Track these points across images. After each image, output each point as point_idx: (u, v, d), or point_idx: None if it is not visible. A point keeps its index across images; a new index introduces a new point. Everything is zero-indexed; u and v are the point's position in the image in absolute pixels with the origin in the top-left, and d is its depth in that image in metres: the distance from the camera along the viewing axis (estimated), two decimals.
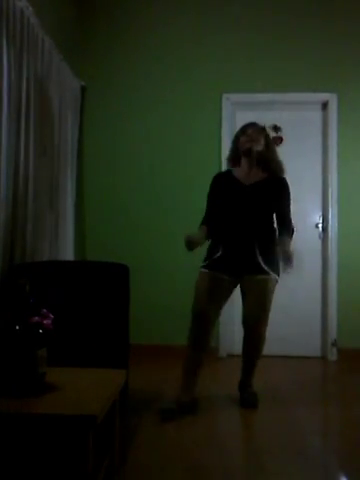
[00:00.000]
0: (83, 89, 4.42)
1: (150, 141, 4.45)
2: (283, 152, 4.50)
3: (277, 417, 2.78)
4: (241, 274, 2.89)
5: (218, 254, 2.88)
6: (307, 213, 4.43)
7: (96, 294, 2.64)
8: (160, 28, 4.48)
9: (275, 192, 2.96)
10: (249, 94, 4.43)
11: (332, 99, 4.37)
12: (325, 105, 4.43)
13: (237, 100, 4.42)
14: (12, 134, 2.88)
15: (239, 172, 2.99)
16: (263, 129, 3.00)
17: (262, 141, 2.94)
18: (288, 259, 2.69)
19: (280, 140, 4.46)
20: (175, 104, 4.45)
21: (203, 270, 2.91)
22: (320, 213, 4.43)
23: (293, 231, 2.98)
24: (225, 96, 4.41)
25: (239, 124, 4.42)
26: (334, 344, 4.26)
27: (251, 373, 3.05)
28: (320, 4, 4.41)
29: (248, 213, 2.90)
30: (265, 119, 4.44)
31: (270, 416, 2.82)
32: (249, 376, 3.06)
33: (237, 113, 4.45)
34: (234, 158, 3.04)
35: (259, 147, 2.92)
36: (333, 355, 4.27)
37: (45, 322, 1.75)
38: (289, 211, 3.00)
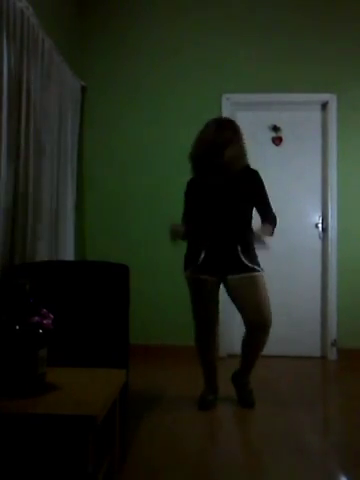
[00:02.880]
0: (83, 89, 4.42)
1: (150, 141, 4.45)
2: (283, 152, 4.54)
3: (277, 417, 2.78)
4: (224, 274, 2.88)
5: (201, 257, 2.88)
6: (307, 213, 4.43)
7: (96, 294, 2.63)
8: (160, 28, 4.49)
9: (248, 185, 2.94)
10: (249, 94, 4.43)
11: (332, 99, 4.37)
12: (325, 105, 4.43)
13: (237, 100, 4.42)
14: (12, 134, 2.88)
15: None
16: (231, 124, 3.06)
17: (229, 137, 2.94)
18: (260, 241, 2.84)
19: (280, 140, 4.47)
20: (175, 104, 4.45)
21: (188, 275, 2.97)
22: (320, 213, 4.43)
23: (275, 218, 2.96)
24: (225, 96, 4.41)
25: (239, 124, 4.45)
26: (334, 344, 4.27)
27: (251, 368, 3.01)
28: (320, 4, 4.41)
29: (224, 210, 2.90)
30: (265, 119, 4.49)
31: (270, 416, 2.83)
32: (248, 371, 3.02)
33: (237, 113, 4.45)
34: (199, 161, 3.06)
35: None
36: (333, 355, 4.27)
37: (45, 322, 1.75)
38: (267, 200, 2.98)
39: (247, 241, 2.89)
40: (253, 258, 2.88)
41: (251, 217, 2.97)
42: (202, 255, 2.88)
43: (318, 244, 4.43)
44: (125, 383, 2.11)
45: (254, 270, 2.84)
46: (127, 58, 4.51)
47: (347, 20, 4.39)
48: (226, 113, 4.39)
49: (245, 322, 2.90)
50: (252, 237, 2.91)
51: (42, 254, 3.37)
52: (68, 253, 3.95)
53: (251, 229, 2.94)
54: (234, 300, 2.94)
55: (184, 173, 4.40)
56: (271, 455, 2.34)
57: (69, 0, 4.27)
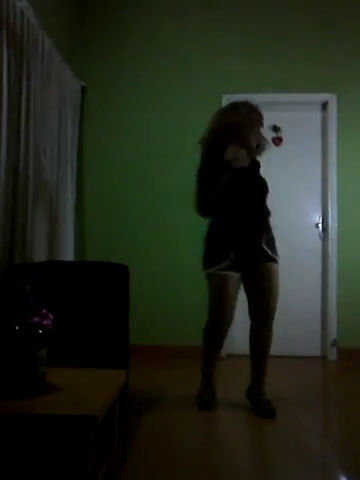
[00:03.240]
0: (83, 89, 4.42)
1: (150, 141, 4.45)
2: (283, 152, 4.53)
3: (277, 417, 2.78)
4: (245, 264, 2.82)
5: (231, 256, 2.78)
6: (307, 213, 4.43)
7: (96, 294, 2.63)
8: (160, 29, 4.49)
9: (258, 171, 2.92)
10: (249, 94, 4.37)
11: (332, 99, 4.37)
12: (325, 105, 4.43)
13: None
14: (12, 134, 2.89)
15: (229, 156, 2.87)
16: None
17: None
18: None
19: (280, 140, 4.47)
20: (175, 105, 4.45)
21: (213, 272, 2.82)
22: (320, 213, 4.43)
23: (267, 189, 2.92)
24: (225, 97, 4.40)
25: None
26: (334, 344, 4.27)
27: (263, 375, 2.91)
28: (320, 4, 4.41)
29: (250, 198, 2.84)
30: (265, 119, 4.47)
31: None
32: (261, 380, 2.91)
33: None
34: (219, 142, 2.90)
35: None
36: (333, 355, 4.27)
37: (45, 322, 1.75)
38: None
39: (269, 231, 2.87)
40: (274, 247, 2.85)
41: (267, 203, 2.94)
42: (232, 254, 2.78)
43: (318, 244, 4.43)
44: (125, 383, 2.11)
45: (274, 260, 2.82)
46: (127, 58, 4.51)
47: (347, 20, 4.39)
48: None
49: (251, 311, 2.89)
50: (269, 222, 2.90)
51: (42, 254, 3.37)
52: (68, 253, 3.96)
53: (269, 212, 2.92)
54: (248, 288, 2.88)
55: (184, 172, 4.41)
56: (271, 455, 2.34)
57: (69, 0, 4.27)
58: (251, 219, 2.82)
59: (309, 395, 3.27)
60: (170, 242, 4.35)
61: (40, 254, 3.33)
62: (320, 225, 4.41)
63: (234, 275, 2.81)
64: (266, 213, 2.89)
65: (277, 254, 2.87)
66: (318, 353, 4.37)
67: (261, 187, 2.90)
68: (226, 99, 4.41)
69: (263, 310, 2.85)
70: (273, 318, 2.86)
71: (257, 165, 2.90)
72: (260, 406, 2.84)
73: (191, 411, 2.88)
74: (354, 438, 2.54)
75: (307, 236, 4.41)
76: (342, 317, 4.27)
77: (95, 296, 2.63)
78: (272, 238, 2.88)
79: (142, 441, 2.43)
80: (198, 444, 2.45)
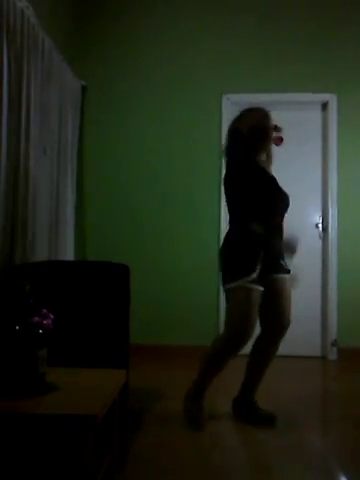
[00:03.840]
0: (83, 89, 4.42)
1: (150, 141, 4.46)
2: (283, 152, 4.52)
3: (278, 417, 2.78)
4: (266, 277, 2.61)
5: (258, 267, 2.56)
6: (307, 213, 4.43)
7: (96, 294, 2.63)
8: (160, 28, 4.49)
9: None
10: (249, 94, 4.42)
11: (332, 100, 4.37)
12: (325, 106, 4.43)
13: (237, 100, 4.41)
14: (12, 134, 2.89)
15: (264, 164, 2.78)
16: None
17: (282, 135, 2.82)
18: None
19: (280, 140, 4.46)
20: (175, 104, 4.45)
21: (242, 285, 2.55)
22: (320, 213, 4.43)
23: None
24: (225, 96, 4.41)
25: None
26: (334, 344, 4.27)
27: (258, 381, 2.79)
28: (320, 5, 4.41)
29: (285, 212, 2.80)
30: None
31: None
32: (254, 388, 2.78)
33: (237, 113, 4.45)
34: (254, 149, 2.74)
35: (279, 142, 2.83)
36: (333, 355, 4.27)
37: (45, 322, 1.75)
38: None
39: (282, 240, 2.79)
40: (283, 257, 2.77)
41: None
42: (259, 266, 2.56)
43: (318, 244, 4.43)
44: (125, 383, 2.11)
45: (288, 272, 2.73)
46: (127, 58, 4.51)
47: (348, 20, 4.39)
48: (226, 113, 4.39)
49: (266, 323, 2.73)
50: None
51: (42, 254, 3.37)
52: (68, 253, 3.96)
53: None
54: (271, 295, 2.67)
55: (184, 172, 4.42)
56: (271, 455, 2.34)
57: (69, 0, 4.27)
58: (280, 231, 2.75)
59: (309, 395, 3.27)
60: (170, 242, 4.35)
61: (40, 254, 3.33)
62: (320, 225, 4.42)
63: (260, 289, 2.58)
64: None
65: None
66: (318, 353, 4.37)
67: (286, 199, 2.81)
68: (226, 99, 4.42)
69: (287, 321, 2.72)
70: (286, 330, 2.76)
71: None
72: (257, 414, 2.70)
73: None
74: (354, 438, 2.54)
75: (307, 236, 4.41)
76: (342, 317, 4.27)
77: (95, 296, 2.63)
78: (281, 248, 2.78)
79: (142, 441, 2.43)
80: (198, 444, 2.45)
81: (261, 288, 2.58)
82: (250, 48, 4.44)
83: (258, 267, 2.55)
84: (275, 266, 2.66)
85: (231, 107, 4.40)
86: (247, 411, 2.74)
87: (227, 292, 2.65)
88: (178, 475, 2.10)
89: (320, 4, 4.41)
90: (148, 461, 2.22)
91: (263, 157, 2.79)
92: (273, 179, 2.76)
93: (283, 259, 2.73)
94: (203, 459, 2.26)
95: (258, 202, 2.63)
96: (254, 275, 2.54)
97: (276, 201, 2.72)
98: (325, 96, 4.39)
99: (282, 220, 2.76)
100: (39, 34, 3.28)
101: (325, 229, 4.39)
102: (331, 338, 4.28)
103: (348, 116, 4.36)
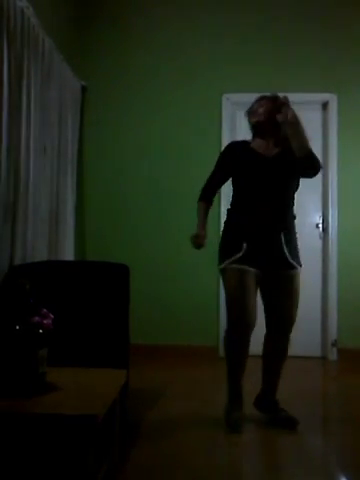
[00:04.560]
0: (83, 89, 4.42)
1: (150, 141, 4.45)
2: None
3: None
4: (266, 268, 2.58)
5: (244, 247, 2.55)
6: (307, 213, 4.43)
7: (96, 294, 2.63)
8: (160, 28, 4.49)
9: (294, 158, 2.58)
10: (249, 94, 4.36)
11: (332, 99, 4.37)
12: (325, 105, 4.43)
13: (237, 100, 4.41)
14: (12, 134, 2.88)
15: (257, 143, 2.69)
16: (265, 97, 2.74)
17: (262, 111, 2.65)
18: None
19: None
20: (175, 104, 4.45)
21: (230, 266, 2.56)
22: (320, 213, 4.43)
23: (317, 158, 2.63)
24: (225, 96, 4.41)
25: (239, 124, 4.44)
26: (334, 344, 4.26)
27: (277, 385, 2.74)
28: (320, 4, 4.41)
29: (272, 191, 2.58)
30: None
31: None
32: (275, 389, 2.74)
33: (237, 113, 4.45)
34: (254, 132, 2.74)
35: (257, 118, 2.66)
36: (333, 355, 4.27)
37: (45, 322, 1.75)
38: None
39: (291, 228, 2.65)
40: (294, 250, 2.63)
41: (294, 201, 2.70)
42: (244, 246, 2.55)
43: (318, 244, 4.42)
44: (125, 383, 2.11)
45: (295, 268, 2.60)
46: (127, 58, 4.50)
47: (348, 20, 4.39)
48: (226, 113, 4.40)
49: (269, 321, 2.67)
50: (294, 228, 2.69)
51: (42, 254, 3.37)
52: (68, 253, 3.95)
53: (294, 218, 2.70)
54: (265, 295, 2.66)
55: (184, 172, 4.42)
56: (271, 456, 2.33)
57: (69, 0, 4.27)
58: (269, 212, 2.58)
59: (309, 395, 3.27)
60: (171, 242, 4.34)
61: (40, 254, 3.33)
62: (320, 225, 4.41)
63: (250, 269, 2.54)
64: (289, 209, 2.66)
65: (298, 258, 2.65)
66: (318, 353, 4.36)
67: (289, 180, 2.63)
68: (226, 99, 4.42)
69: (286, 319, 2.63)
70: (292, 329, 2.67)
71: (287, 159, 2.61)
72: (279, 417, 2.65)
73: (191, 411, 2.88)
74: (354, 438, 2.54)
75: (307, 236, 4.41)
76: (342, 317, 4.27)
77: (95, 296, 2.63)
78: (295, 240, 2.67)
79: (142, 441, 2.43)
80: (198, 444, 2.44)
81: (252, 269, 2.54)
82: (250, 48, 4.43)
83: (244, 246, 2.55)
84: (279, 262, 2.58)
85: (231, 107, 4.41)
86: (269, 411, 2.71)
87: (221, 276, 2.69)
88: (178, 475, 2.10)
89: (320, 4, 4.41)
90: (148, 461, 2.22)
91: (260, 141, 2.68)
92: (254, 159, 2.64)
93: (289, 248, 2.59)
94: (203, 459, 2.26)
95: (235, 187, 2.71)
96: (239, 254, 2.54)
97: (240, 183, 2.68)
98: (325, 96, 4.38)
99: (265, 198, 2.59)
100: (39, 34, 3.28)
101: (325, 229, 4.39)
102: (331, 338, 4.28)
103: (348, 116, 4.36)
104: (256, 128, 2.70)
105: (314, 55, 4.40)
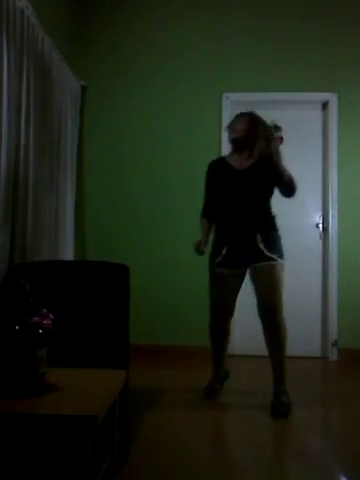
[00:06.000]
0: (83, 89, 4.42)
1: (150, 140, 4.45)
2: (283, 152, 4.52)
3: (277, 417, 2.78)
4: (246, 265, 2.97)
5: (223, 252, 2.97)
6: (307, 213, 4.43)
7: (96, 294, 2.63)
8: (160, 28, 4.48)
9: (268, 169, 2.93)
10: (249, 93, 4.42)
11: (332, 99, 4.36)
12: (325, 105, 4.43)
13: (237, 99, 4.41)
14: (12, 134, 2.88)
15: (233, 158, 3.05)
16: (243, 115, 3.05)
17: (240, 128, 2.98)
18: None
19: (280, 140, 4.46)
20: (175, 103, 4.45)
21: (211, 268, 3.05)
22: (320, 213, 4.43)
23: (294, 184, 2.97)
24: (225, 95, 4.41)
25: None
26: (334, 344, 4.26)
27: (281, 374, 2.97)
28: (320, 4, 4.41)
29: (245, 199, 2.95)
30: (265, 118, 4.46)
31: (270, 416, 2.82)
32: (279, 379, 2.97)
33: (237, 112, 4.45)
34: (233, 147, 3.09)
35: (235, 135, 2.99)
36: (334, 355, 4.26)
37: (45, 322, 1.75)
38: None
39: (267, 229, 2.96)
40: (273, 246, 2.93)
41: (271, 206, 3.04)
42: (224, 251, 2.97)
43: (319, 244, 4.42)
44: (125, 383, 2.11)
45: (272, 259, 2.90)
46: (127, 58, 4.50)
47: (348, 19, 4.38)
48: (226, 112, 4.39)
49: (258, 310, 2.94)
50: (274, 227, 2.99)
51: (42, 254, 3.37)
52: (68, 253, 3.95)
53: (274, 218, 3.01)
54: (253, 285, 2.99)
55: (184, 172, 4.42)
56: (271, 456, 2.33)
57: (69, 0, 4.26)
58: (243, 218, 2.94)
59: (309, 395, 3.26)
60: (170, 242, 4.34)
61: (40, 254, 3.33)
62: (320, 225, 4.41)
63: (229, 271, 2.97)
64: (263, 213, 2.99)
65: (278, 252, 2.93)
66: (318, 353, 4.36)
67: (261, 188, 2.97)
68: (226, 98, 4.42)
69: (265, 305, 2.90)
70: (278, 313, 2.90)
71: (256, 171, 2.97)
72: (273, 404, 2.88)
73: (191, 411, 2.88)
74: (354, 438, 2.54)
75: (307, 236, 4.41)
76: (342, 317, 4.27)
77: (95, 296, 2.63)
78: (273, 238, 2.96)
79: (142, 441, 2.42)
80: (198, 444, 2.44)
81: (229, 271, 2.97)
82: (250, 47, 4.43)
83: (223, 252, 2.96)
84: (257, 256, 2.90)
85: (231, 106, 4.40)
86: (273, 397, 2.94)
87: None
88: (178, 475, 2.10)
89: (320, 3, 4.41)
90: (148, 461, 2.22)
91: (235, 155, 3.05)
92: (229, 173, 3.01)
93: (267, 245, 2.90)
94: (203, 459, 2.26)
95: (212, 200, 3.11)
96: (218, 259, 2.99)
97: (218, 195, 3.04)
98: (325, 95, 4.38)
99: (240, 206, 2.95)
100: (39, 34, 3.28)
101: (325, 229, 4.38)
102: (332, 338, 4.27)
103: (348, 115, 4.35)
104: (234, 143, 3.04)
105: (314, 55, 4.40)
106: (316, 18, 4.40)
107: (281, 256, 2.94)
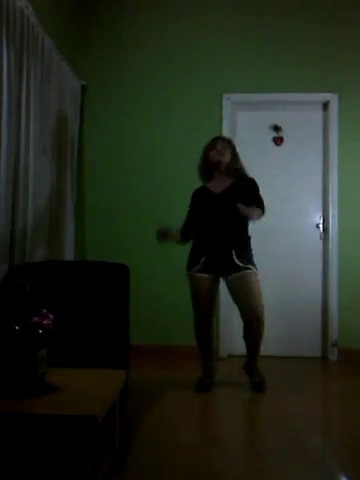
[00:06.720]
0: (83, 88, 4.42)
1: (150, 141, 4.45)
2: (283, 152, 4.53)
3: (278, 417, 2.78)
4: (222, 274, 3.27)
5: (202, 260, 3.25)
6: (308, 213, 4.42)
7: (96, 294, 2.63)
8: (160, 28, 4.48)
9: (243, 191, 3.24)
10: (249, 94, 4.42)
11: (333, 99, 4.36)
12: (326, 105, 4.43)
13: (237, 100, 4.41)
14: (12, 133, 2.88)
15: (212, 183, 3.36)
16: (229, 142, 3.38)
17: (228, 153, 3.30)
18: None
19: (281, 140, 4.47)
20: (175, 104, 4.44)
21: (190, 274, 3.33)
22: (321, 213, 4.42)
23: (263, 211, 3.25)
24: (225, 96, 4.40)
25: (239, 124, 4.45)
26: (335, 344, 4.26)
27: (254, 355, 3.29)
28: (320, 4, 4.40)
29: (222, 218, 3.22)
30: (266, 119, 4.48)
31: (271, 416, 2.82)
32: (253, 359, 3.30)
33: (237, 113, 4.46)
34: (206, 172, 3.40)
35: (226, 159, 3.30)
36: (334, 355, 4.26)
37: (45, 322, 1.75)
38: (260, 201, 3.26)
39: (242, 246, 3.24)
40: (247, 259, 3.20)
41: (247, 225, 3.31)
42: (202, 259, 3.25)
43: (319, 244, 4.42)
44: (125, 383, 2.10)
45: (246, 269, 3.17)
46: (127, 57, 4.50)
47: (349, 19, 4.38)
48: (226, 113, 4.40)
49: (240, 313, 3.23)
50: (248, 242, 3.28)
51: (42, 254, 3.37)
52: (68, 253, 3.95)
53: (249, 238, 3.30)
54: (231, 295, 3.28)
55: (184, 173, 4.41)
56: (271, 455, 2.33)
57: (69, 0, 4.26)
58: (220, 235, 3.22)
59: (309, 395, 3.26)
60: (170, 241, 4.33)
61: (40, 254, 3.33)
62: (321, 225, 4.41)
63: (205, 276, 3.26)
64: (240, 232, 3.26)
65: (252, 264, 3.21)
66: (319, 354, 4.36)
67: (234, 212, 3.18)
68: (226, 98, 4.41)
69: (246, 309, 3.18)
70: (261, 315, 3.17)
71: (232, 193, 3.23)
72: (253, 380, 3.29)
73: (191, 411, 2.88)
74: (354, 438, 2.54)
75: (308, 236, 4.41)
76: (343, 318, 4.26)
77: (95, 296, 2.63)
78: (246, 253, 3.23)
79: (142, 441, 2.42)
80: (198, 444, 2.44)
81: (207, 275, 3.25)
82: (250, 47, 4.43)
83: (202, 259, 3.25)
84: (232, 267, 3.18)
85: (231, 107, 4.41)
86: (250, 374, 3.34)
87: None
88: (177, 475, 2.10)
89: (320, 4, 4.40)
90: (148, 461, 2.22)
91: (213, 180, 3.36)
92: (206, 195, 3.35)
93: (241, 259, 3.17)
94: (203, 459, 2.26)
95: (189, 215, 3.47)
96: (198, 266, 3.26)
97: (198, 216, 3.35)
98: (326, 96, 4.38)
99: (217, 226, 3.24)
100: (39, 33, 3.28)
101: (326, 229, 4.38)
102: (332, 339, 4.27)
103: (349, 116, 4.35)
104: (215, 166, 3.31)
105: (314, 55, 4.39)
106: (316, 18, 4.40)
107: (255, 267, 3.21)
